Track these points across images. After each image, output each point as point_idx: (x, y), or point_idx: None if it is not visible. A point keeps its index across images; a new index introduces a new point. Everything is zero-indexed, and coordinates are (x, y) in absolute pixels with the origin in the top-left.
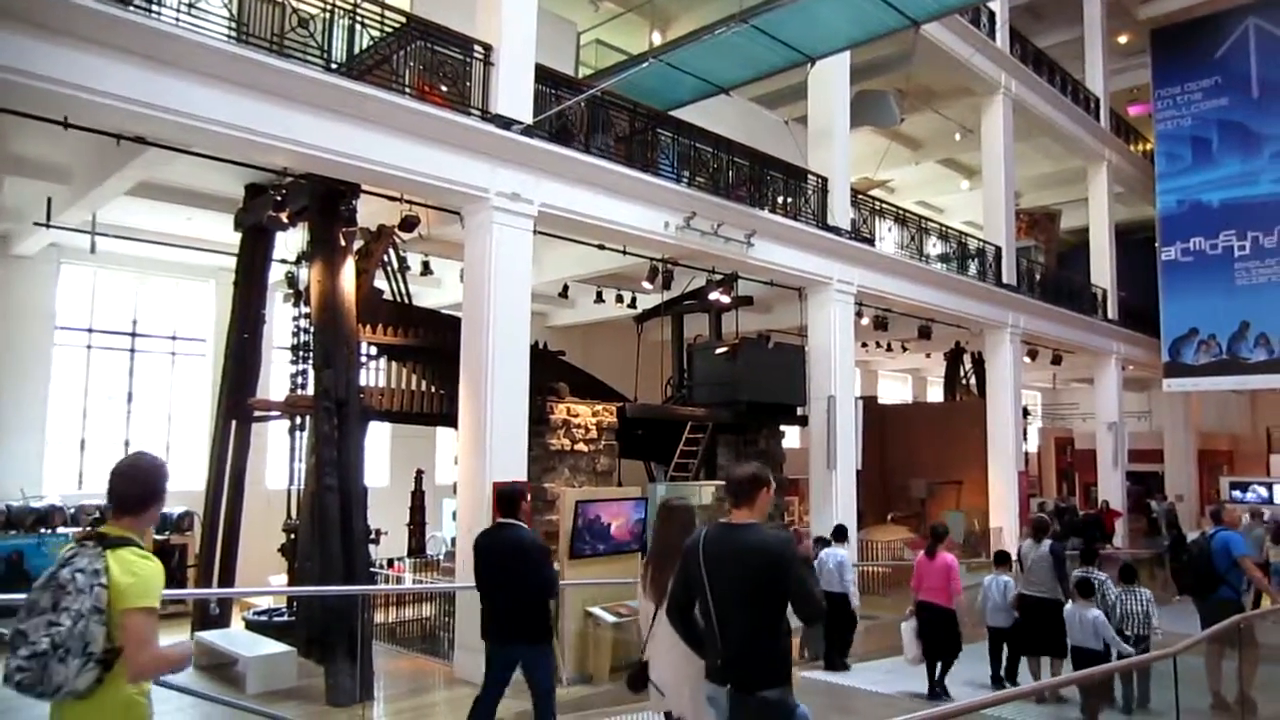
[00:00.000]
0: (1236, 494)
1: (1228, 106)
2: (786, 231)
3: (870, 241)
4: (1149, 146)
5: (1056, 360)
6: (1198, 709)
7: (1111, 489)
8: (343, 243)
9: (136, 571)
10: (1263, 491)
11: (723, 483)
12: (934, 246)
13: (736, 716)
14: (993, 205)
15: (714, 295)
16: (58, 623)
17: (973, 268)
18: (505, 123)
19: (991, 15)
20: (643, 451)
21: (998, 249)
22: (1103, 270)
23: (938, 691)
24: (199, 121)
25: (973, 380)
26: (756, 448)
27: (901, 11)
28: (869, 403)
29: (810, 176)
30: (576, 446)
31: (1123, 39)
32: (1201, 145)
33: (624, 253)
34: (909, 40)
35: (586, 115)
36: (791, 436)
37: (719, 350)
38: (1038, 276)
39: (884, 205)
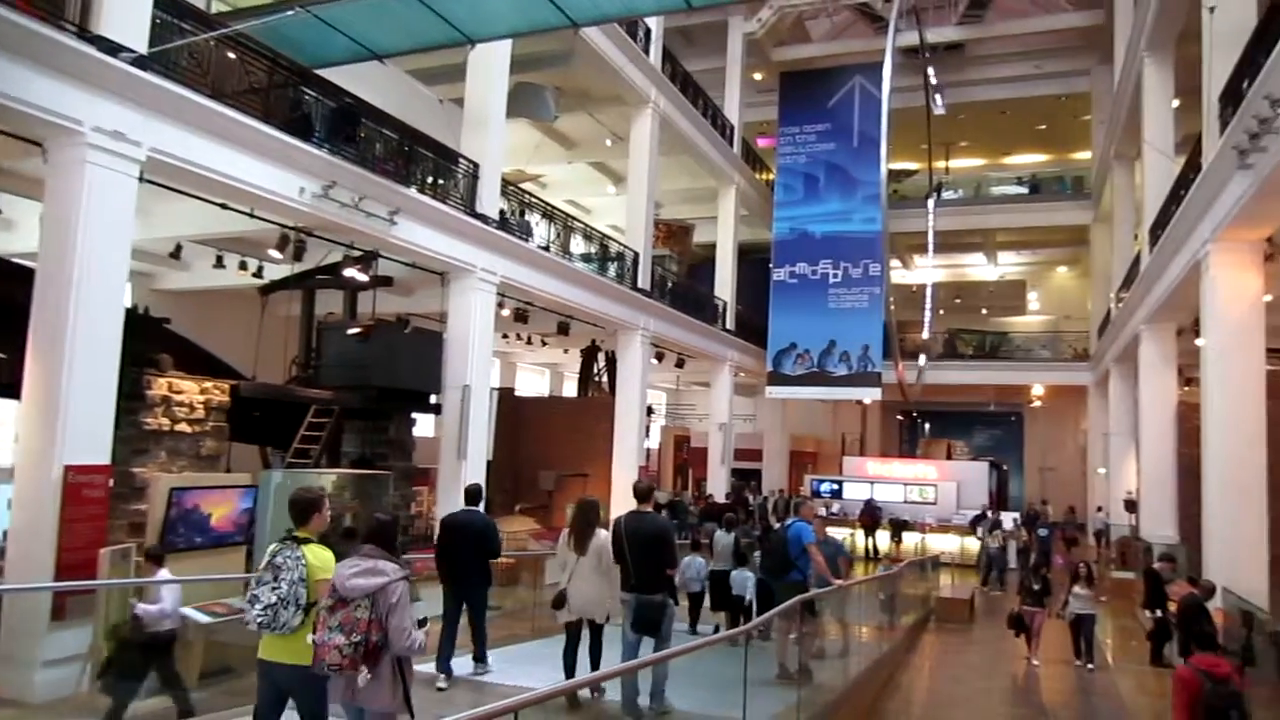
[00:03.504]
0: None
1: (834, 151)
2: (433, 213)
3: (520, 234)
4: (771, 177)
5: (680, 363)
6: (764, 679)
7: (719, 484)
8: None
9: (319, 556)
10: (834, 487)
11: (349, 470)
12: (579, 245)
13: (638, 608)
14: (635, 212)
15: (350, 272)
16: (278, 587)
17: (612, 270)
18: (111, 47)
19: (648, 32)
20: (259, 435)
21: (636, 254)
22: (725, 284)
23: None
24: None
25: (605, 378)
26: (386, 435)
27: (563, 10)
28: (505, 394)
29: (462, 160)
30: (178, 427)
31: (758, 76)
32: (812, 182)
33: (251, 215)
34: (569, 40)
35: (217, 56)
36: (424, 424)
37: (352, 330)
38: (670, 284)
39: (534, 199)
